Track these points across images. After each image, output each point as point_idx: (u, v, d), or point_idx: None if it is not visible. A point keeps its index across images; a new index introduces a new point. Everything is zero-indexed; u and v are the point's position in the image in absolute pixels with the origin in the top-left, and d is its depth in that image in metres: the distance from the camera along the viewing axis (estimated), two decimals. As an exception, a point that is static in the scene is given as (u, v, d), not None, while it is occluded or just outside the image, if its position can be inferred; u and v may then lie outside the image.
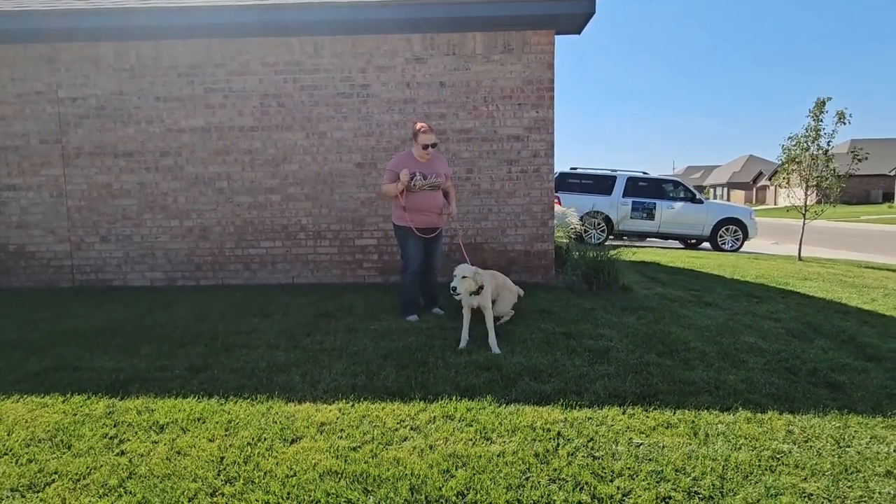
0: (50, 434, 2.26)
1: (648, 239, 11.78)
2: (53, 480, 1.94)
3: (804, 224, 9.30)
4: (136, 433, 2.27)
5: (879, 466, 2.05)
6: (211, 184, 5.47)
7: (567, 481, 1.92)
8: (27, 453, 2.12)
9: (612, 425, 2.32)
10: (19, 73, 5.33)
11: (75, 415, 2.43)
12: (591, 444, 2.17)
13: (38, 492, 1.88)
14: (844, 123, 8.29)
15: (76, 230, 5.52)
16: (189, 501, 1.82)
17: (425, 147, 3.81)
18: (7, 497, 1.85)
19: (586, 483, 1.91)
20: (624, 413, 2.43)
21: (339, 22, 5.01)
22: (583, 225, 8.53)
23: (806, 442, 2.22)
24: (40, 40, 5.24)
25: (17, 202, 5.48)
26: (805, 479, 1.96)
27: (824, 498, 1.86)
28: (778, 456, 2.10)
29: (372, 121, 5.38)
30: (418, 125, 3.84)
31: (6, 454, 2.12)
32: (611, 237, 10.67)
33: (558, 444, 2.16)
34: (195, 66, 5.34)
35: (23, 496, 1.85)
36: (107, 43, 5.29)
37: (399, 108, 5.36)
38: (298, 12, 4.89)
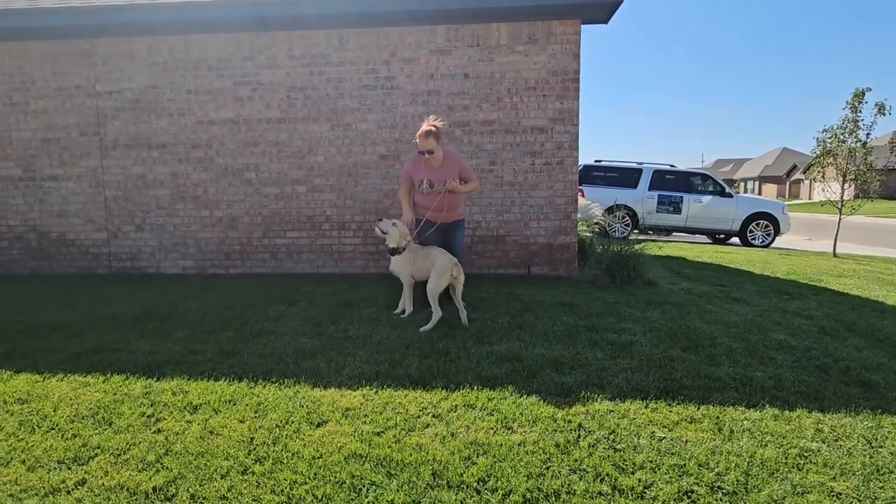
0: (92, 411, 2.39)
1: (675, 234, 11.53)
2: (96, 454, 2.06)
3: (840, 219, 8.96)
4: (171, 413, 2.37)
5: (913, 468, 1.99)
6: (240, 175, 5.60)
7: (588, 472, 1.93)
8: (72, 429, 2.25)
9: (635, 418, 2.31)
10: (60, 67, 5.55)
11: (115, 394, 2.55)
12: (612, 436, 2.18)
13: (82, 465, 1.99)
14: (884, 114, 7.97)
15: (113, 219, 5.74)
16: (222, 478, 1.90)
17: (420, 153, 3.65)
18: (55, 468, 1.97)
19: (607, 474, 1.92)
20: (646, 407, 2.41)
21: (363, 14, 5.04)
22: (607, 218, 8.41)
23: (836, 441, 2.17)
24: (79, 36, 5.44)
25: (59, 192, 5.72)
26: (834, 478, 1.92)
27: (853, 497, 1.82)
28: (806, 454, 2.07)
29: (396, 113, 5.41)
30: (420, 129, 3.61)
31: (53, 429, 2.25)
32: (636, 231, 10.49)
33: (579, 436, 2.17)
34: (224, 59, 5.46)
35: (68, 468, 1.97)
36: (140, 38, 5.46)
37: (423, 100, 5.37)
38: (323, 4, 4.94)
